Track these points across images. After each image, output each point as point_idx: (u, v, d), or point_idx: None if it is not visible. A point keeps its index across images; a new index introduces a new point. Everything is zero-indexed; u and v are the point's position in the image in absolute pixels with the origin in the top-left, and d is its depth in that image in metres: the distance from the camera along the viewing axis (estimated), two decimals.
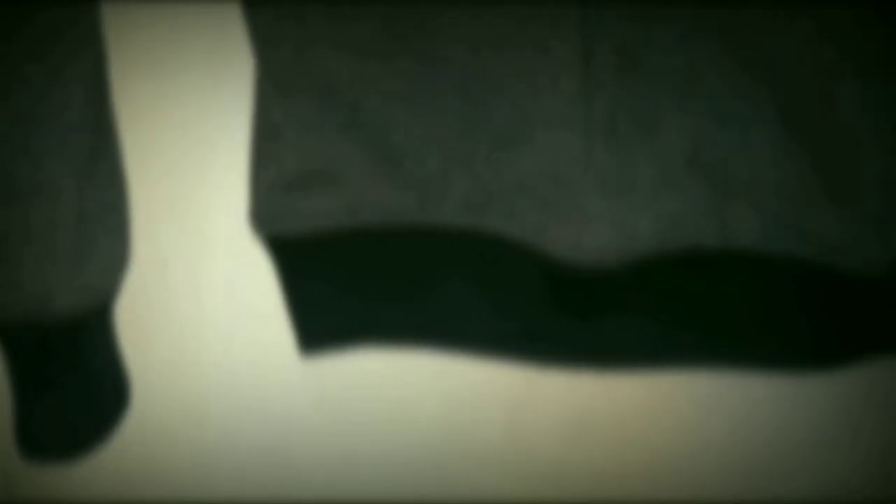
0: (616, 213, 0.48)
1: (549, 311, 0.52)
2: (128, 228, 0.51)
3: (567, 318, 0.53)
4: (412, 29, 0.47)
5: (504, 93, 0.47)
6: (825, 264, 0.50)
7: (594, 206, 0.48)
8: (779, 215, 0.50)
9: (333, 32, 0.47)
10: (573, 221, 0.48)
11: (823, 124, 0.48)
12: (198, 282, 0.59)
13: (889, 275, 0.51)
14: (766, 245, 0.50)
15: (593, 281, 0.50)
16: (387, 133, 0.49)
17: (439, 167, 0.49)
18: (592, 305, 0.52)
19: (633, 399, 0.58)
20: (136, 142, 0.54)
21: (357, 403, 0.59)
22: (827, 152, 0.48)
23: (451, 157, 0.49)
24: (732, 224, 0.50)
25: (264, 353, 0.58)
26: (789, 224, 0.50)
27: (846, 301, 0.53)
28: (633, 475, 0.60)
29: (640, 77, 0.47)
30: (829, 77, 0.47)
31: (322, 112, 0.49)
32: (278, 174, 0.50)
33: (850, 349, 0.56)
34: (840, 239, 0.49)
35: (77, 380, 0.50)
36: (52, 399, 0.50)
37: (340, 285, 0.53)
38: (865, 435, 0.61)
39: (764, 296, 0.53)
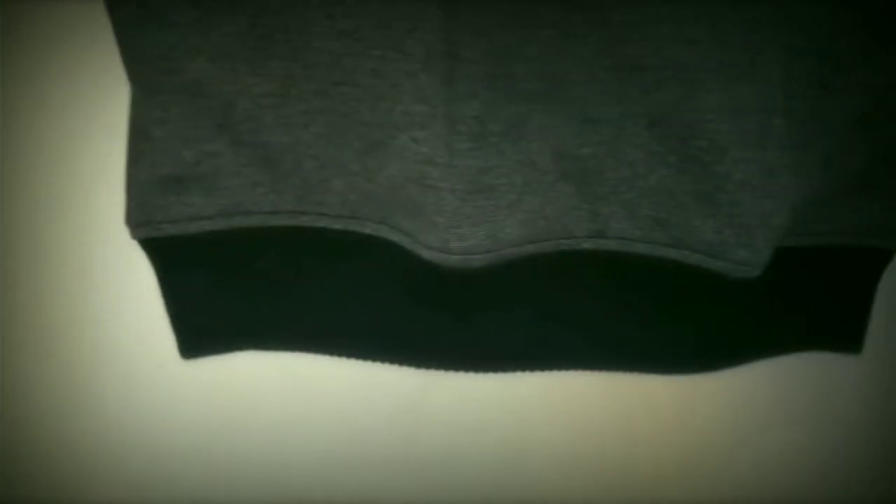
0: (482, 214, 0.48)
1: (425, 310, 0.53)
2: None
3: (443, 318, 0.53)
4: (279, 31, 0.46)
5: (367, 95, 0.47)
6: (696, 266, 0.51)
7: (459, 209, 0.47)
8: (650, 217, 0.51)
9: (200, 36, 0.46)
10: (438, 224, 0.48)
11: (690, 128, 0.48)
12: (84, 284, 0.57)
13: (759, 277, 0.52)
14: (638, 246, 0.51)
15: (467, 281, 0.50)
16: (260, 135, 0.48)
17: (315, 169, 0.49)
18: (467, 305, 0.52)
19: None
20: (18, 142, 0.53)
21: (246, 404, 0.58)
22: (695, 156, 0.49)
23: (326, 159, 0.49)
24: (603, 225, 0.51)
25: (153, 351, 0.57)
26: (660, 225, 0.51)
27: (718, 302, 0.54)
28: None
29: (509, 80, 0.47)
30: (691, 81, 0.47)
31: (193, 114, 0.48)
32: (150, 175, 0.50)
33: (725, 349, 0.57)
34: (709, 241, 0.50)
35: None
36: None
37: (218, 286, 0.52)
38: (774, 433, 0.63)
39: (637, 295, 0.54)
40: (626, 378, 0.58)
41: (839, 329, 0.60)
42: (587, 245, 0.51)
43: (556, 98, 0.47)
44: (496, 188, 0.48)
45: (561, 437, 0.60)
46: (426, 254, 0.49)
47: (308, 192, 0.50)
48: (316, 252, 0.52)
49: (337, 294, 0.53)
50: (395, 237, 0.50)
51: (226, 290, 0.53)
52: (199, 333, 0.54)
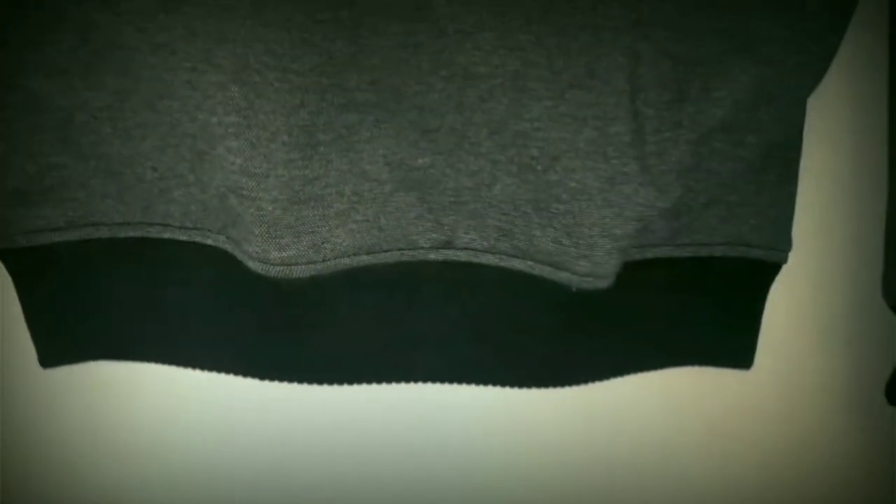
0: (305, 224, 0.48)
1: (266, 321, 0.52)
2: None
3: (283, 329, 0.53)
4: (107, 47, 0.47)
5: (186, 106, 0.47)
6: (541, 277, 0.50)
7: (279, 219, 0.47)
8: (496, 227, 0.50)
9: (36, 53, 0.47)
10: (256, 234, 0.47)
11: (523, 136, 0.47)
12: None
13: (636, 287, 0.51)
14: (486, 257, 0.50)
15: (303, 292, 0.50)
16: (100, 147, 0.49)
17: (156, 180, 0.49)
18: (307, 316, 0.52)
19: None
20: None
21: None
22: (529, 165, 0.48)
23: (165, 170, 0.49)
24: (450, 236, 0.50)
25: None
26: (505, 236, 0.50)
27: (579, 312, 0.53)
28: None
29: (341, 91, 0.46)
30: (521, 89, 0.46)
31: (34, 128, 0.49)
32: (2, 188, 0.50)
33: (596, 361, 0.56)
34: (549, 251, 0.49)
35: None
36: None
37: (72, 297, 0.53)
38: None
39: (486, 308, 0.53)
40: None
41: (727, 344, 0.58)
42: (433, 256, 0.50)
43: (390, 107, 0.47)
44: (322, 198, 0.47)
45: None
46: (250, 264, 0.49)
47: (153, 203, 0.50)
48: (163, 262, 0.52)
49: (185, 305, 0.53)
50: (230, 248, 0.50)
51: (79, 301, 0.53)
52: (55, 343, 0.54)
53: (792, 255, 0.57)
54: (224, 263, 0.51)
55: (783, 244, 0.56)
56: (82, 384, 0.58)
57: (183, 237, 0.51)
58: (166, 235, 0.51)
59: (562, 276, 0.49)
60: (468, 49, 0.46)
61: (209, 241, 0.51)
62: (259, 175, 0.46)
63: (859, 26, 0.54)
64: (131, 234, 0.51)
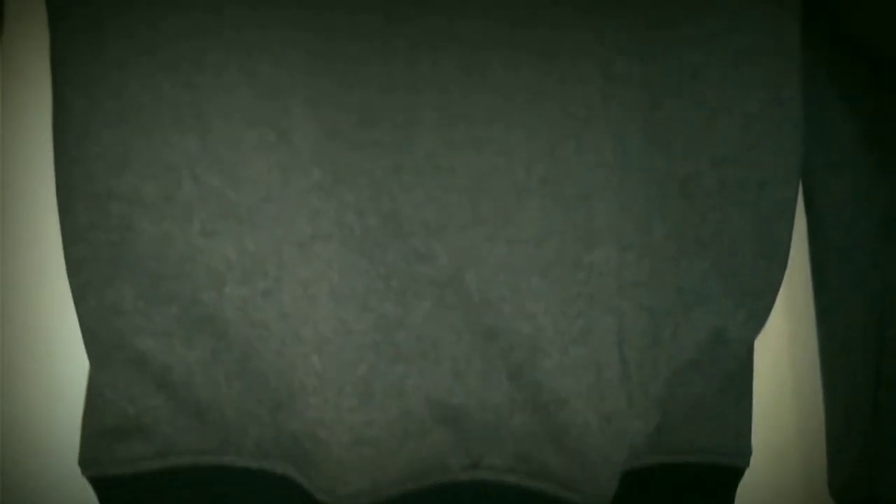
0: (365, 463, 0.58)
1: None
2: None
3: None
4: (207, 319, 0.58)
5: (272, 368, 0.58)
6: (555, 495, 0.60)
7: (343, 459, 0.58)
8: (515, 453, 0.60)
9: (144, 318, 0.59)
10: (325, 472, 0.58)
11: (538, 384, 0.58)
12: None
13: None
14: (507, 476, 0.60)
15: None
16: (192, 392, 0.59)
17: (235, 419, 0.60)
18: None
19: None
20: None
21: None
22: (544, 405, 0.59)
23: (243, 413, 0.59)
24: (477, 460, 0.60)
25: None
26: (524, 460, 0.60)
27: None
28: None
29: (392, 346, 0.58)
30: (536, 350, 0.58)
31: (137, 380, 0.60)
32: (99, 427, 0.61)
33: None
34: (562, 476, 0.59)
35: None
36: None
37: None
38: None
39: None
40: None
41: None
42: (463, 476, 0.61)
43: (430, 358, 0.59)
44: (379, 439, 0.58)
45: None
46: (318, 496, 0.59)
47: (229, 437, 0.60)
48: (235, 487, 0.61)
49: None
50: (299, 478, 0.60)
51: None
52: None
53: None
54: (291, 490, 0.60)
55: (745, 449, 0.68)
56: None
57: (255, 465, 0.61)
58: (240, 464, 0.61)
59: (572, 497, 0.60)
60: (493, 313, 0.58)
61: (279, 470, 0.60)
62: (330, 423, 0.57)
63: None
64: (209, 461, 0.61)
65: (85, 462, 0.63)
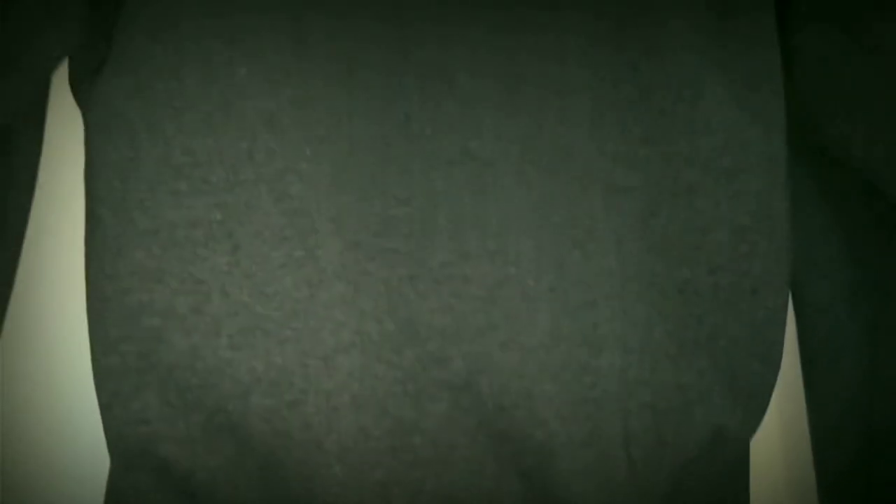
0: None
1: None
2: None
3: None
4: (224, 430, 0.61)
5: (294, 472, 0.60)
6: None
7: None
8: None
9: (168, 424, 0.61)
10: None
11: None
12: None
13: None
14: None
15: None
16: (212, 497, 0.61)
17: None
18: None
19: None
20: None
21: None
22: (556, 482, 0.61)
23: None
24: None
25: None
26: None
27: None
28: None
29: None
30: (543, 452, 0.61)
31: (158, 483, 0.61)
32: None
33: None
34: None
35: None
36: None
37: None
38: None
39: None
40: None
41: None
42: None
43: (445, 462, 0.61)
44: None
45: None
46: None
47: None
48: None
49: None
50: None
51: None
52: None
53: None
54: None
55: None
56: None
57: None
58: None
59: None
60: (506, 419, 0.61)
61: None
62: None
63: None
64: None
65: None
